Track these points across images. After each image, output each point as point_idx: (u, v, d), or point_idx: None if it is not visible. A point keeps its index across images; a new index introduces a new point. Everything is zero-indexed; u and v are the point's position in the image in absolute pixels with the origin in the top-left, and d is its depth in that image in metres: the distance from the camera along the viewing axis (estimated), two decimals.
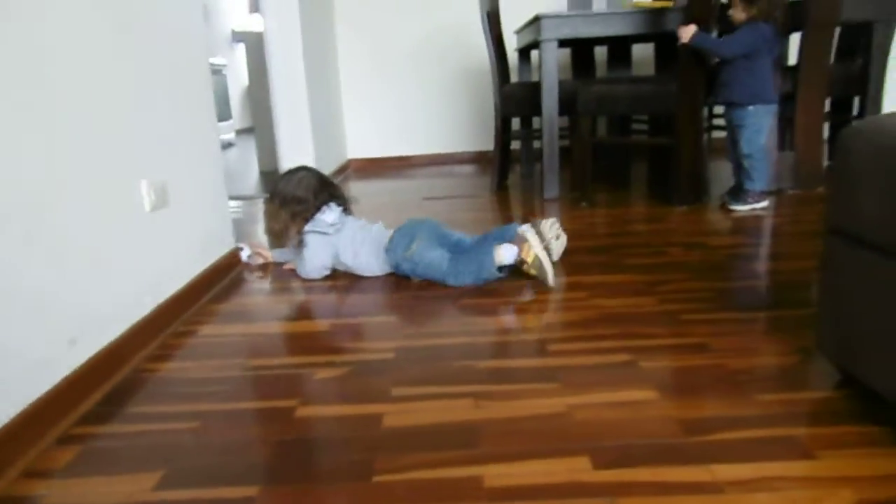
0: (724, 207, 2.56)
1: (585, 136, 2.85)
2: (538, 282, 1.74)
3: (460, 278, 1.76)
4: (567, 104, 2.89)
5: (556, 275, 1.73)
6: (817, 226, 2.13)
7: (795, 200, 2.67)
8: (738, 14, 2.42)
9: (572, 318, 1.51)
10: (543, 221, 1.89)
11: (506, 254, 1.74)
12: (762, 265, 1.94)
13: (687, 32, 2.43)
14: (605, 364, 1.26)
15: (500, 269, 1.76)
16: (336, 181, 3.78)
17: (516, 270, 1.77)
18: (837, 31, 2.80)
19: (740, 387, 1.13)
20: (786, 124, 2.85)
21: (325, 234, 1.87)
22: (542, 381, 1.19)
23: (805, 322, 1.36)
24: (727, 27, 2.50)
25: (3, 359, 1.02)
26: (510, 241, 1.75)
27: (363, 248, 1.87)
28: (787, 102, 2.77)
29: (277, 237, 1.97)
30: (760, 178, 2.51)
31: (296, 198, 1.90)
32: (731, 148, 2.59)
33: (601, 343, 1.35)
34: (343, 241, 1.87)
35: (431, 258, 1.78)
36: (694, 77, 2.56)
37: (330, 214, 1.90)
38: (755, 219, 2.41)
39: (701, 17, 2.45)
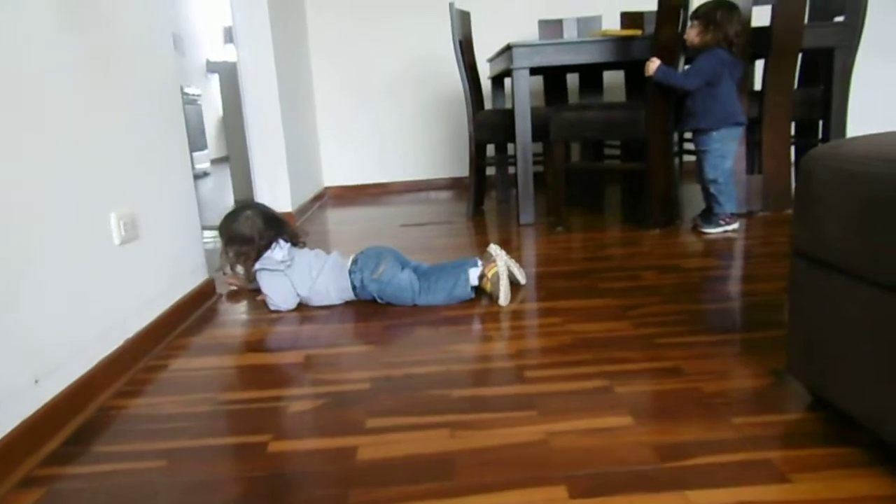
0: (696, 230, 2.60)
1: (558, 161, 2.88)
2: (512, 308, 1.75)
3: (432, 297, 1.80)
4: (540, 130, 2.93)
5: (513, 298, 1.81)
6: (787, 247, 2.16)
7: (765, 222, 2.72)
8: (692, 37, 2.49)
9: (548, 343, 1.51)
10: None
11: (476, 273, 1.83)
12: (734, 287, 1.96)
13: (651, 66, 2.51)
14: (581, 390, 1.25)
15: (472, 289, 1.83)
16: (313, 208, 3.79)
17: (481, 293, 1.84)
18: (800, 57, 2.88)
19: (714, 410, 1.13)
20: (754, 148, 2.92)
21: (275, 271, 1.86)
22: (518, 408, 1.19)
23: (777, 343, 1.37)
24: (691, 52, 2.57)
25: None
26: (474, 265, 1.85)
27: (320, 276, 1.86)
28: (754, 127, 2.84)
29: (228, 275, 2.05)
30: (728, 201, 2.55)
31: (240, 237, 1.90)
32: (699, 173, 2.63)
33: (577, 369, 1.35)
34: (297, 275, 1.86)
35: (401, 279, 1.81)
36: (663, 104, 2.61)
37: (278, 252, 1.89)
38: (727, 241, 2.45)
39: (667, 45, 2.52)
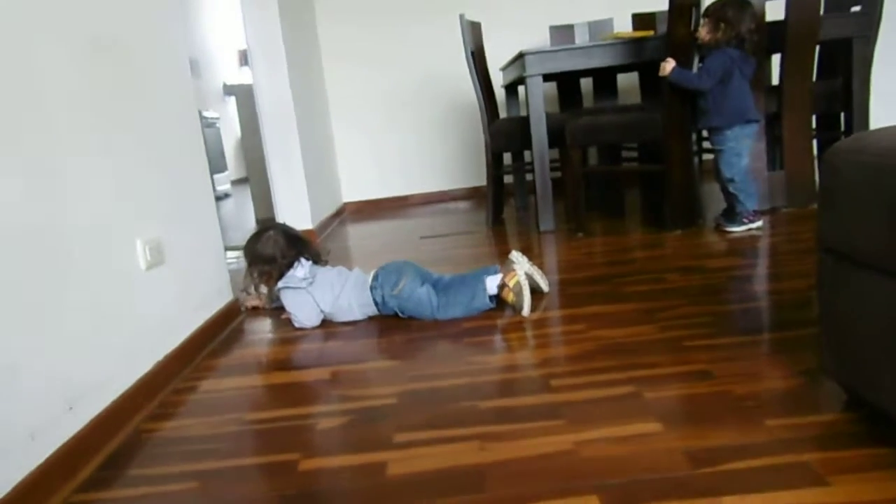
0: (719, 229, 2.57)
1: (576, 167, 2.87)
2: (535, 316, 1.74)
3: (450, 311, 1.80)
4: (556, 136, 2.92)
5: (536, 307, 1.79)
6: (813, 243, 2.13)
7: (789, 218, 2.68)
8: (703, 35, 2.47)
9: (573, 351, 1.50)
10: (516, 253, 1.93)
11: (495, 282, 1.81)
12: (761, 286, 1.93)
13: (667, 67, 2.50)
14: (609, 397, 1.24)
15: (491, 298, 1.82)
16: (333, 225, 3.82)
17: (502, 303, 1.82)
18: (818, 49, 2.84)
19: (746, 413, 1.11)
20: (775, 143, 2.87)
21: (297, 288, 1.89)
22: (546, 418, 1.18)
23: (808, 342, 1.35)
24: (704, 51, 2.54)
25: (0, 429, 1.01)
26: (492, 274, 1.84)
27: (343, 292, 1.88)
28: (774, 122, 2.80)
29: (251, 295, 2.10)
30: (749, 199, 2.52)
31: (263, 257, 1.94)
32: (716, 172, 2.60)
33: (604, 375, 1.34)
34: (319, 291, 1.88)
35: (420, 294, 1.82)
36: (679, 104, 2.59)
37: (300, 270, 1.92)
38: (751, 239, 2.41)
39: (681, 45, 2.50)
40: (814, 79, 2.79)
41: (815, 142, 2.90)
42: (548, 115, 2.89)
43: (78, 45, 1.36)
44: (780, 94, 2.75)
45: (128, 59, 1.57)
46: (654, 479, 0.95)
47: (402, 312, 1.86)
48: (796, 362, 1.29)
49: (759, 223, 2.52)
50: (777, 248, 2.30)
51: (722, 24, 2.42)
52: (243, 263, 2.05)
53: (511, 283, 1.77)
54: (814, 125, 2.94)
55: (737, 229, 2.51)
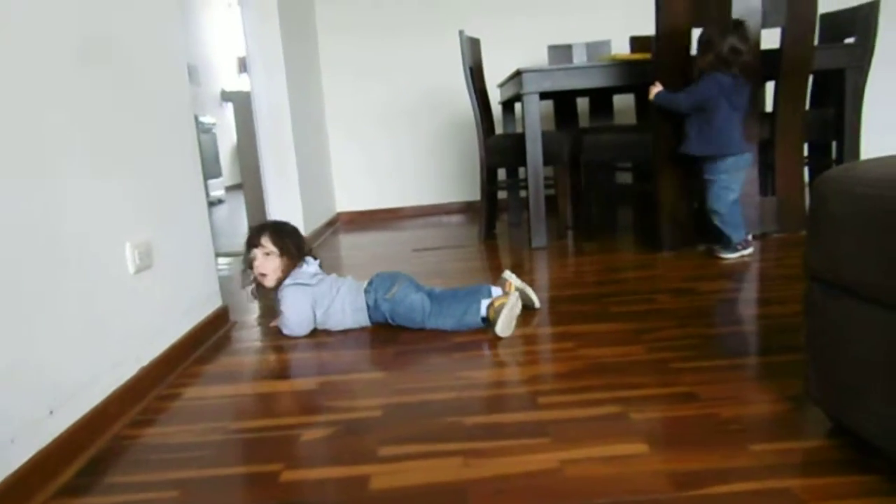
0: (712, 254, 2.56)
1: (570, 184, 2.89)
2: (524, 333, 1.74)
3: (440, 321, 1.80)
4: (551, 154, 2.94)
5: (527, 322, 1.81)
6: (802, 269, 2.14)
7: (780, 244, 2.70)
8: (699, 60, 2.44)
9: (561, 369, 1.50)
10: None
11: (487, 303, 1.80)
12: (749, 310, 1.94)
13: (652, 91, 2.54)
14: (596, 416, 1.24)
15: (483, 320, 1.80)
16: (325, 234, 3.81)
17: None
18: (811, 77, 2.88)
19: (731, 437, 1.12)
20: (767, 169, 2.90)
21: (307, 285, 1.89)
22: (532, 436, 1.17)
23: (794, 368, 1.35)
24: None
25: None
26: (487, 296, 1.83)
27: (338, 296, 1.88)
28: (766, 148, 2.83)
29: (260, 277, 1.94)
30: (735, 231, 2.48)
31: (294, 240, 1.94)
32: (704, 200, 2.55)
33: (591, 394, 1.34)
34: (321, 293, 1.89)
35: (413, 300, 1.83)
36: (668, 126, 2.62)
37: (312, 266, 1.94)
38: (741, 263, 2.42)
39: (669, 69, 2.53)
40: (807, 107, 2.83)
41: (806, 169, 2.93)
42: (543, 133, 2.91)
43: (73, 48, 1.35)
44: (774, 120, 2.78)
45: (125, 63, 1.57)
46: (638, 501, 0.94)
47: (393, 319, 1.86)
48: (782, 387, 1.29)
49: (749, 250, 2.52)
50: (766, 273, 2.31)
51: (703, 48, 2.40)
52: (236, 267, 2.02)
53: (496, 303, 1.76)
54: (806, 152, 2.97)
55: (730, 256, 2.50)
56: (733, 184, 2.46)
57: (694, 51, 2.53)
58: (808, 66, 2.71)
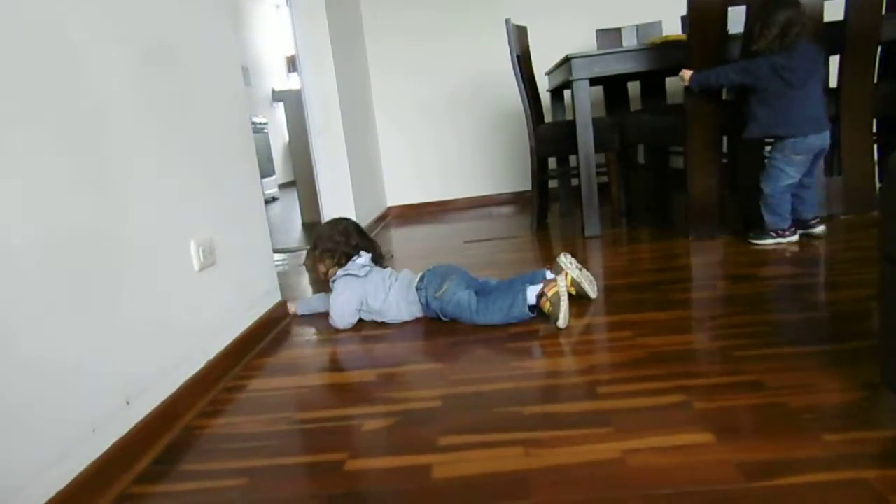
0: (747, 239, 2.46)
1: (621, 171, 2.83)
2: (581, 323, 1.72)
3: (489, 316, 1.79)
4: (602, 141, 2.89)
5: (583, 313, 1.76)
6: (873, 252, 2.04)
7: (848, 226, 2.58)
8: (755, 43, 2.31)
9: (620, 358, 1.48)
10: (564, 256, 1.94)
11: (535, 292, 1.78)
12: (817, 295, 1.87)
13: (685, 76, 2.48)
14: (658, 406, 1.22)
15: (531, 308, 1.77)
16: (377, 229, 3.86)
17: (541, 313, 1.79)
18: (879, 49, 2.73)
19: (802, 426, 1.08)
20: (832, 148, 2.77)
21: (356, 276, 1.95)
22: (593, 425, 1.17)
23: (868, 355, 1.30)
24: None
25: (62, 422, 1.05)
26: (541, 280, 1.82)
27: (392, 290, 1.93)
28: (832, 125, 2.70)
29: (311, 273, 2.15)
30: (774, 219, 2.38)
31: (331, 237, 2.04)
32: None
33: (652, 384, 1.31)
34: (371, 285, 1.94)
35: (460, 297, 1.83)
36: (704, 109, 2.54)
37: (362, 258, 2.01)
38: (807, 248, 2.33)
39: (706, 51, 2.46)
40: (875, 81, 2.69)
41: (875, 146, 2.79)
42: (594, 120, 2.86)
43: (138, 56, 1.41)
44: (839, 96, 2.66)
45: (184, 68, 1.63)
46: (704, 492, 0.93)
47: (444, 315, 1.88)
48: (855, 375, 1.24)
49: (793, 238, 2.39)
50: (834, 257, 2.22)
51: (758, 29, 2.27)
52: (294, 262, 2.12)
53: (549, 294, 1.74)
54: (875, 129, 2.82)
55: (761, 242, 2.40)
56: (789, 168, 2.33)
57: (730, 30, 2.46)
58: (875, 37, 2.57)
